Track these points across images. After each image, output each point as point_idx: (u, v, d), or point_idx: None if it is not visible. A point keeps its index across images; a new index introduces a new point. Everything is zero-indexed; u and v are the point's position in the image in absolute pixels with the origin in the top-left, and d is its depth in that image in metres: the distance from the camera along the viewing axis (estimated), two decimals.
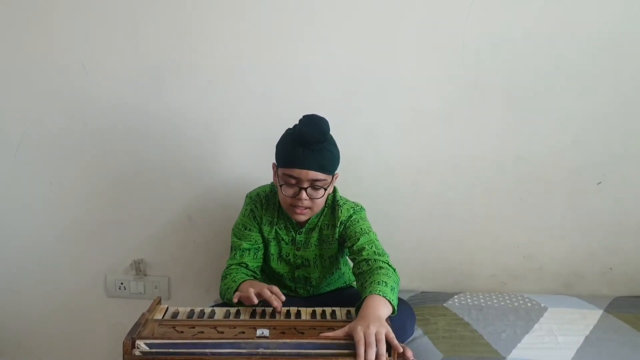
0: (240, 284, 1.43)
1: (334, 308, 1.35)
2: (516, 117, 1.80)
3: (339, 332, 1.16)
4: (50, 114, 1.89)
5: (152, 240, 1.97)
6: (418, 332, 1.54)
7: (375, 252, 1.45)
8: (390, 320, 1.23)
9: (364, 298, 1.27)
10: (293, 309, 1.34)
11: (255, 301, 1.32)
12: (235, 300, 1.35)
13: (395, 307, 1.27)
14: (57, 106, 1.88)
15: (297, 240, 1.57)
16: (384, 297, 1.25)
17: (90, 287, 2.02)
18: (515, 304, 1.72)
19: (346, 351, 1.12)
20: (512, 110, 1.79)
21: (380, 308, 1.23)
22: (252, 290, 1.33)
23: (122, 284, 2.01)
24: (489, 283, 1.91)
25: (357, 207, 1.57)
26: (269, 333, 1.17)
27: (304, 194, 1.43)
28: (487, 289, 1.88)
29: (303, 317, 1.31)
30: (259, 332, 1.17)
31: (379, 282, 1.30)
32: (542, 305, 1.71)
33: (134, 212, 1.95)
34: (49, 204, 1.96)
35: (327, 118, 1.43)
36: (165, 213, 1.94)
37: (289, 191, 1.44)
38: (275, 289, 1.36)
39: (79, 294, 2.03)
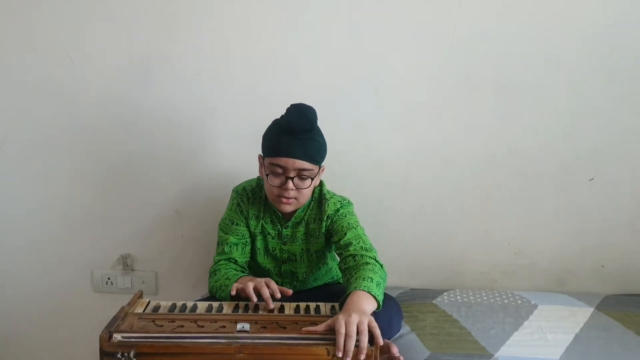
0: (236, 280, 1.40)
1: (318, 303, 1.33)
2: (507, 110, 1.78)
3: (321, 326, 1.15)
4: (35, 107, 1.86)
5: (139, 235, 1.94)
6: (405, 328, 1.52)
7: (362, 247, 1.43)
8: (376, 316, 1.21)
9: (348, 293, 1.24)
10: (277, 304, 1.32)
11: (255, 300, 1.30)
12: (233, 292, 1.33)
13: (381, 303, 1.25)
14: (43, 99, 1.85)
15: (284, 235, 1.55)
16: (369, 292, 1.24)
17: (77, 282, 1.99)
18: (505, 301, 1.71)
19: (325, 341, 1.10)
20: (503, 104, 1.77)
21: (364, 303, 1.21)
22: (250, 286, 1.31)
23: (109, 279, 1.99)
24: (479, 280, 1.89)
25: (345, 202, 1.55)
26: (250, 327, 1.15)
27: (290, 184, 1.41)
28: (477, 286, 1.86)
29: (286, 312, 1.29)
30: (239, 326, 1.15)
31: (364, 277, 1.28)
32: (532, 302, 1.69)
33: (121, 206, 1.92)
34: (35, 198, 1.93)
35: (313, 108, 1.42)
36: (153, 207, 1.92)
37: (276, 181, 1.42)
38: (273, 284, 1.33)
39: (66, 288, 2.00)
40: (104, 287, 1.99)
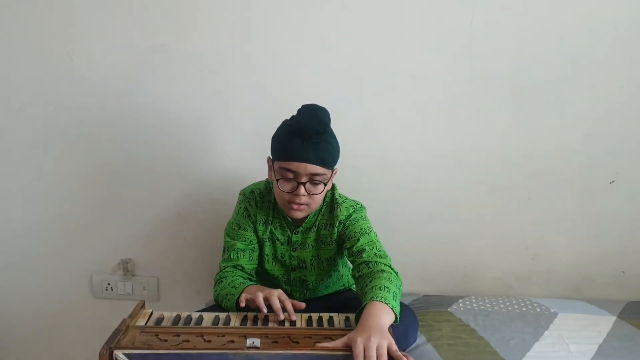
0: (243, 290, 1.34)
1: (331, 314, 1.27)
2: (524, 110, 1.71)
3: (337, 343, 1.08)
4: (32, 105, 1.80)
5: (140, 239, 1.89)
6: (421, 339, 1.46)
7: (376, 253, 1.36)
8: (392, 327, 1.15)
9: (364, 305, 1.18)
10: (286, 315, 1.24)
11: (265, 311, 1.23)
12: (242, 304, 1.26)
13: (398, 315, 1.19)
14: (40, 96, 1.79)
15: (294, 241, 1.48)
16: (386, 304, 1.17)
17: (76, 287, 1.94)
18: (524, 309, 1.65)
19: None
20: (520, 104, 1.70)
21: (382, 316, 1.14)
22: (260, 296, 1.24)
23: (109, 284, 1.93)
24: (494, 286, 1.84)
25: (357, 206, 1.49)
26: (260, 343, 1.08)
27: (302, 190, 1.34)
28: (492, 293, 1.80)
29: (298, 324, 1.22)
30: (249, 341, 1.08)
31: (380, 287, 1.22)
32: (552, 310, 1.63)
33: (121, 208, 1.87)
34: (31, 199, 1.88)
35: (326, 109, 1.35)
36: (154, 209, 1.86)
37: (287, 186, 1.36)
38: (288, 303, 1.26)
39: (64, 294, 1.95)
40: (104, 293, 1.94)
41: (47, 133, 1.81)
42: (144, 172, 1.82)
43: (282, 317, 1.22)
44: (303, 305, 1.26)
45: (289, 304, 1.25)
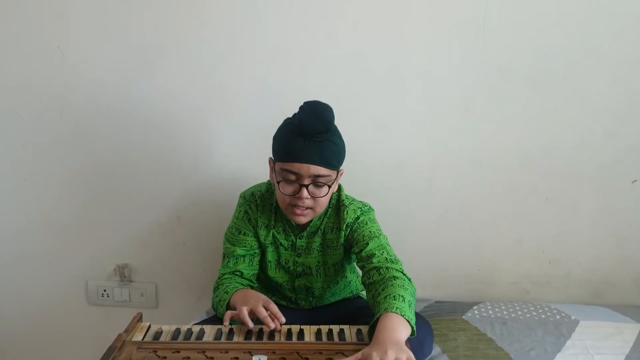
0: (231, 296, 1.27)
1: (341, 327, 1.18)
2: (543, 106, 1.63)
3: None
4: (23, 103, 1.73)
5: (137, 243, 1.82)
6: (436, 350, 1.38)
7: (387, 258, 1.28)
8: (408, 340, 1.07)
9: (378, 317, 1.09)
10: (295, 328, 1.18)
11: (251, 325, 1.15)
12: (226, 323, 1.17)
13: (414, 327, 1.10)
14: (31, 94, 1.72)
15: (298, 246, 1.39)
16: (402, 315, 1.08)
17: (70, 294, 1.88)
18: (542, 316, 1.56)
19: None
20: (538, 99, 1.63)
21: (398, 330, 1.05)
22: (245, 310, 1.15)
23: (104, 290, 1.87)
24: (509, 291, 1.76)
25: (365, 208, 1.40)
26: None
27: (304, 192, 1.26)
28: (508, 298, 1.73)
29: (306, 337, 1.14)
30: (255, 359, 0.99)
31: (394, 296, 1.13)
32: (573, 317, 1.54)
33: (117, 211, 1.80)
34: (22, 202, 1.81)
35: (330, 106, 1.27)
36: (152, 212, 1.79)
37: (288, 189, 1.27)
38: (273, 306, 1.18)
39: (57, 301, 1.89)
40: (99, 300, 1.88)
41: (38, 132, 1.75)
42: (141, 173, 1.76)
43: (272, 325, 1.14)
44: (283, 319, 1.17)
45: (273, 306, 1.18)
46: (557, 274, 1.74)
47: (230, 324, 1.19)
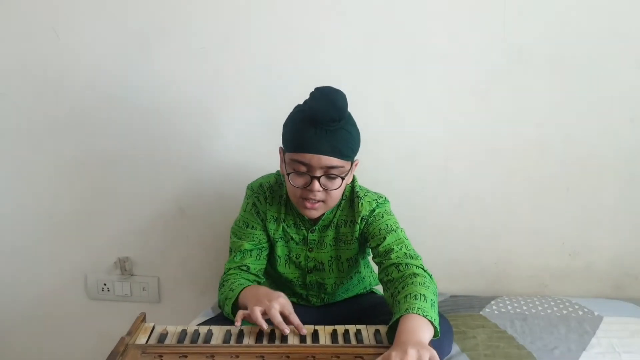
0: (239, 293, 1.19)
1: (358, 327, 1.11)
2: (565, 91, 1.56)
3: None
4: (16, 89, 1.66)
5: (138, 236, 1.76)
6: (455, 348, 1.32)
7: (406, 254, 1.21)
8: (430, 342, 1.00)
9: (399, 317, 1.02)
10: (309, 328, 1.10)
11: (265, 327, 1.07)
12: (237, 323, 1.09)
13: (438, 328, 1.03)
14: (25, 79, 1.65)
15: (310, 240, 1.32)
16: (424, 316, 1.01)
17: (69, 288, 1.83)
18: (564, 311, 1.50)
19: None
20: (560, 84, 1.56)
21: (421, 332, 0.99)
22: (258, 311, 1.07)
23: (105, 284, 1.81)
24: (526, 285, 1.70)
25: (381, 200, 1.33)
26: None
27: (316, 185, 1.18)
28: (525, 292, 1.67)
29: (322, 340, 1.06)
30: None
31: (415, 295, 1.06)
32: (596, 313, 1.48)
33: (117, 202, 1.74)
34: (18, 194, 1.76)
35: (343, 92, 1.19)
36: (154, 203, 1.73)
37: (299, 181, 1.20)
38: (288, 308, 1.10)
39: (57, 295, 1.84)
40: (100, 294, 1.83)
41: (33, 119, 1.68)
42: (141, 162, 1.70)
43: (287, 331, 1.06)
44: (304, 331, 1.08)
45: (294, 317, 1.09)
46: (577, 266, 1.68)
47: (242, 324, 1.11)
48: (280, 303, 1.10)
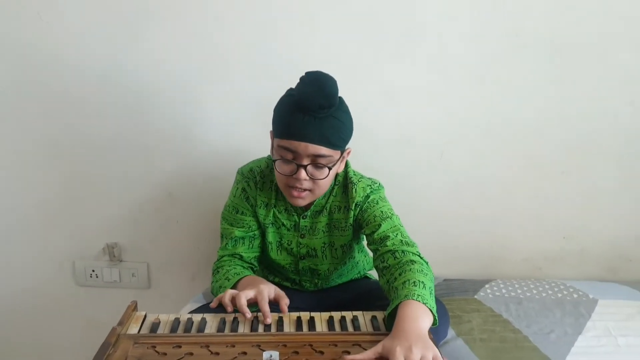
0: (236, 283, 1.18)
1: (354, 313, 1.10)
2: (564, 74, 1.54)
3: (370, 354, 0.91)
4: (1, 74, 1.59)
5: (127, 221, 1.72)
6: (450, 332, 1.32)
7: (402, 241, 1.19)
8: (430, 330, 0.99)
9: (398, 303, 1.01)
10: (305, 315, 1.08)
11: (248, 316, 1.05)
12: (229, 309, 1.06)
13: (436, 316, 1.01)
14: (8, 63, 1.58)
15: (301, 226, 1.30)
16: (424, 303, 1.00)
17: (57, 274, 1.78)
18: (559, 295, 1.51)
19: None
20: (558, 66, 1.54)
21: (420, 319, 0.97)
22: (244, 298, 1.06)
23: (93, 271, 1.77)
24: (520, 268, 1.70)
25: (375, 185, 1.30)
26: (279, 356, 0.90)
27: (302, 173, 1.15)
28: (519, 275, 1.67)
29: (318, 327, 1.05)
30: (265, 355, 0.90)
31: (414, 282, 1.05)
32: (591, 296, 1.49)
33: (105, 187, 1.69)
34: (4, 179, 1.69)
35: (335, 75, 1.15)
36: (142, 188, 1.69)
37: (285, 168, 1.17)
38: (279, 293, 1.10)
39: (43, 282, 1.79)
40: (88, 281, 1.79)
41: (19, 104, 1.62)
42: (130, 146, 1.64)
43: (269, 321, 1.04)
44: (269, 320, 1.06)
45: (282, 300, 1.09)
46: (572, 249, 1.69)
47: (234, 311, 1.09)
48: (269, 290, 1.10)
